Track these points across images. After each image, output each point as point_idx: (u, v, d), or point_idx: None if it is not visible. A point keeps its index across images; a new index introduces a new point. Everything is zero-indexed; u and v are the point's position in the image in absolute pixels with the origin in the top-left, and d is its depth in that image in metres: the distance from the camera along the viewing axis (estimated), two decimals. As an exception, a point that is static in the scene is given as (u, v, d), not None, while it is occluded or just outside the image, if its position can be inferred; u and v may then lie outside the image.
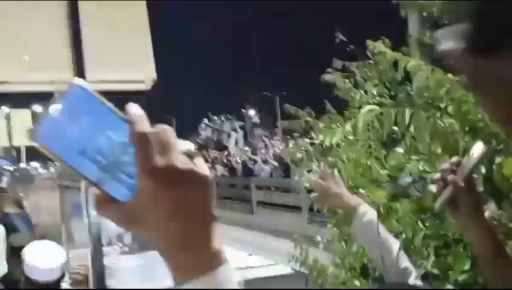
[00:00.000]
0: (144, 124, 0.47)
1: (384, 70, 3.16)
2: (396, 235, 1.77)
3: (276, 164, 16.13)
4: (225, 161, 20.49)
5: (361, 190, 1.95)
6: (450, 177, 1.15)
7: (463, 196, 1.14)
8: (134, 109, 0.48)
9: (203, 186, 0.49)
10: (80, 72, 2.06)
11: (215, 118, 39.52)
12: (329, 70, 3.85)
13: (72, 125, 0.45)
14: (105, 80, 2.16)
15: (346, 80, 3.68)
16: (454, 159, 1.19)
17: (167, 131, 0.48)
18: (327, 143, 2.30)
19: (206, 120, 39.69)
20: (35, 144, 0.45)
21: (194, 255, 0.48)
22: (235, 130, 34.25)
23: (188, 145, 0.49)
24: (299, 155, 3.71)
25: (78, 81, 0.47)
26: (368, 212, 1.51)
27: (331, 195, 1.56)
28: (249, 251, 14.05)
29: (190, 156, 0.49)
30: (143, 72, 2.24)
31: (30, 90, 2.15)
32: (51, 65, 2.04)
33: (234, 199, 15.48)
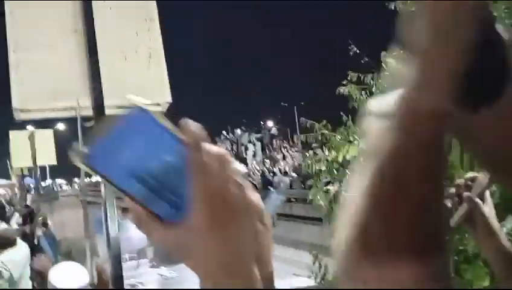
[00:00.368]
0: (201, 149, 0.45)
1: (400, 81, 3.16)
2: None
3: (295, 175, 16.06)
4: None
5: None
6: (466, 193, 1.14)
7: (478, 212, 1.13)
8: (192, 130, 0.45)
9: (252, 218, 0.48)
10: (98, 98, 2.13)
11: (234, 130, 39.67)
12: (344, 82, 3.86)
13: (124, 146, 0.44)
14: (122, 104, 2.23)
15: (363, 92, 3.68)
16: (470, 174, 1.18)
17: (224, 157, 0.47)
18: (340, 159, 2.30)
19: (224, 133, 39.86)
20: (83, 167, 0.44)
21: (236, 286, 0.47)
22: (252, 142, 34.28)
23: (241, 170, 0.48)
24: (317, 167, 3.71)
25: (135, 100, 0.45)
26: None
27: None
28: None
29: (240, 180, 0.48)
30: (159, 96, 2.30)
31: (51, 116, 2.22)
32: (70, 92, 2.12)
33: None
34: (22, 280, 5.18)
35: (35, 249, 5.50)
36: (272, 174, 18.03)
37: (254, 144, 33.38)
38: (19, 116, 2.17)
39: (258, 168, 20.76)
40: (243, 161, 27.91)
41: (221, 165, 0.46)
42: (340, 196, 3.03)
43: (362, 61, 4.14)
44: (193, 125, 0.46)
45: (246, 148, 33.23)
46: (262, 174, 18.67)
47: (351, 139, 3.35)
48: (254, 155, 30.89)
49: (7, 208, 10.67)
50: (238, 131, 39.32)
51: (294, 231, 12.82)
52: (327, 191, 3.35)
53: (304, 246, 10.87)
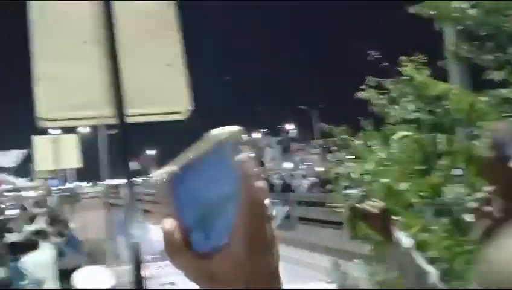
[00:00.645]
0: (254, 184, 0.46)
1: (420, 86, 3.12)
2: (434, 261, 1.74)
3: (314, 179, 15.99)
4: (263, 176, 20.46)
5: (396, 217, 1.92)
6: (487, 208, 1.12)
7: (500, 227, 1.11)
8: (247, 165, 0.46)
9: (275, 255, 0.49)
10: (120, 107, 2.18)
11: (253, 133, 39.68)
12: (363, 87, 3.84)
13: (194, 177, 0.46)
14: (144, 113, 2.29)
15: (381, 96, 3.65)
16: (490, 187, 1.16)
17: (265, 189, 0.47)
18: (358, 172, 2.29)
19: (247, 135, 39.78)
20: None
21: None
22: (270, 145, 34.19)
23: (270, 207, 0.49)
24: (335, 171, 3.70)
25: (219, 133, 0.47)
26: (403, 241, 1.49)
27: (371, 216, 1.54)
28: (290, 268, 13.90)
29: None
30: (179, 104, 2.34)
31: (76, 125, 2.28)
32: (93, 102, 2.17)
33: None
34: (47, 281, 5.30)
35: (65, 250, 5.63)
36: (291, 177, 17.98)
37: (273, 147, 33.32)
38: (42, 124, 2.24)
39: (277, 171, 20.73)
40: (263, 164, 27.89)
41: (264, 198, 0.47)
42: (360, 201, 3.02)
43: (381, 66, 4.11)
44: (247, 159, 0.47)
45: (265, 152, 33.22)
46: (281, 178, 18.64)
47: (370, 144, 3.33)
48: (272, 158, 30.84)
49: (37, 209, 10.91)
50: (257, 134, 39.31)
51: (314, 234, 12.75)
52: (347, 196, 3.34)
53: (323, 250, 10.79)
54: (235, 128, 0.48)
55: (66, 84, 2.18)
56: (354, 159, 3.55)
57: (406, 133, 2.13)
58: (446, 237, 1.94)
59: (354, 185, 3.28)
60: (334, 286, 3.26)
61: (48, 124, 2.24)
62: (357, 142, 3.58)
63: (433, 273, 1.45)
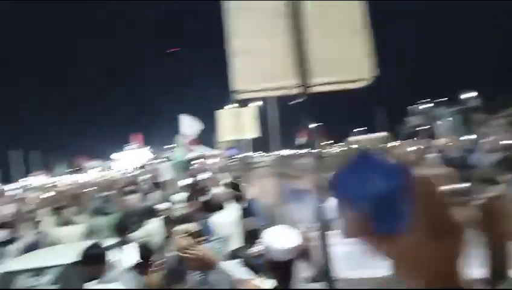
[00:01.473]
0: (414, 176, 0.57)
1: None
2: None
3: (500, 154, 14.18)
4: (438, 149, 19.03)
5: None
6: None
7: None
8: (405, 163, 0.59)
9: (455, 235, 0.57)
10: (304, 77, 2.28)
11: (427, 103, 36.98)
12: None
13: (358, 176, 0.61)
14: (328, 82, 2.36)
15: None
16: None
17: (439, 178, 0.57)
18: None
19: (417, 106, 37.50)
20: (333, 194, 0.63)
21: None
22: (447, 115, 31.34)
23: (452, 190, 0.58)
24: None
25: (362, 150, 0.63)
26: None
27: None
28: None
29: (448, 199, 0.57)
30: (363, 71, 2.34)
31: (263, 96, 2.49)
32: (279, 74, 2.33)
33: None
34: (232, 238, 5.97)
35: (246, 212, 6.27)
36: (471, 151, 16.30)
37: (449, 118, 30.54)
38: (238, 96, 2.49)
39: (455, 144, 19.04)
40: (438, 136, 25.87)
41: (435, 186, 0.56)
42: None
43: None
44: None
45: (440, 122, 30.64)
46: (460, 152, 17.04)
47: None
48: (450, 130, 28.27)
49: (220, 175, 12.25)
50: (430, 104, 36.49)
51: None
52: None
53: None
54: (381, 135, 0.56)
55: (258, 58, 2.38)
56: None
57: None
58: None
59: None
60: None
61: (242, 95, 2.48)
62: None
63: None
